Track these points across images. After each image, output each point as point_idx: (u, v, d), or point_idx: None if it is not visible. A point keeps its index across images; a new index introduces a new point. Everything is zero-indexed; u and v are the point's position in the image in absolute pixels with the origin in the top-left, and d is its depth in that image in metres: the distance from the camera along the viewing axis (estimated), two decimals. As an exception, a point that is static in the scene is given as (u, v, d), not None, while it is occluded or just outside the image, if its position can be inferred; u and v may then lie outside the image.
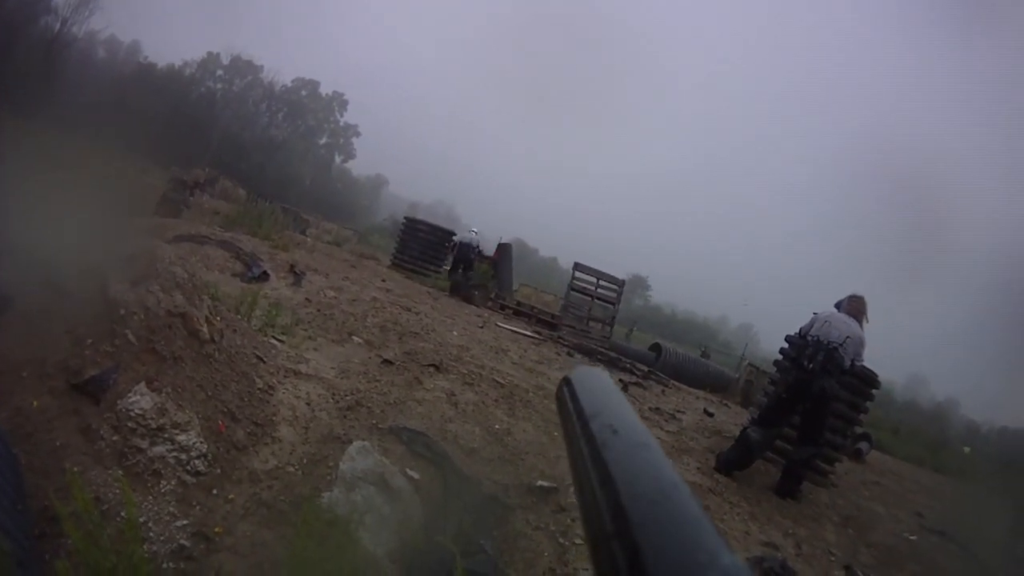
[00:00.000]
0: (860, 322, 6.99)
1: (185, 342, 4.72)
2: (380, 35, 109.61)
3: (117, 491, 3.62)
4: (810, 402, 6.84)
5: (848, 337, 6.75)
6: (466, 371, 7.23)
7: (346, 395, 5.81)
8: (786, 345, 7.63)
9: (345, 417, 5.45)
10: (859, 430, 10.68)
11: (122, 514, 3.46)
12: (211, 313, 5.22)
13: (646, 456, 0.61)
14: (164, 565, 3.62)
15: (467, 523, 4.68)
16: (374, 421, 5.48)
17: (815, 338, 6.86)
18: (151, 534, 3.69)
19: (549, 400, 7.13)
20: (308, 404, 5.47)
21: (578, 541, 4.88)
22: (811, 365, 6.77)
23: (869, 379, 7.87)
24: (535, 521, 5.02)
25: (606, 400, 0.74)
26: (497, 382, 7.19)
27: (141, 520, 3.63)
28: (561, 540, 4.89)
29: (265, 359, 5.75)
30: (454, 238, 19.71)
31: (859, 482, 9.27)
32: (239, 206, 17.56)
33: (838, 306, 7.14)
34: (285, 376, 5.75)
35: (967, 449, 22.73)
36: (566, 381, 0.81)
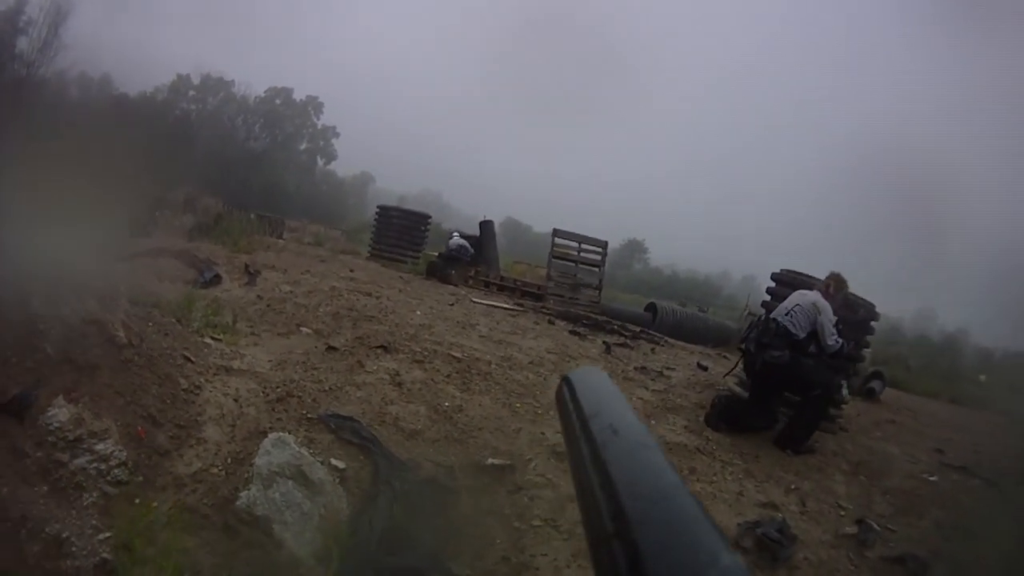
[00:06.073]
0: (832, 299, 6.65)
1: (102, 349, 4.69)
2: (347, 29, 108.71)
3: (43, 508, 3.68)
4: (762, 379, 6.64)
5: (798, 305, 6.50)
6: (419, 349, 6.89)
7: (277, 387, 5.51)
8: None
9: (273, 410, 5.18)
10: (870, 368, 10.20)
11: (46, 530, 3.59)
12: (127, 317, 5.12)
13: (646, 456, 0.61)
14: (87, 582, 3.72)
15: (399, 513, 4.29)
16: (304, 411, 5.19)
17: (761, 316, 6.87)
18: (74, 549, 3.70)
19: (515, 371, 6.95)
20: (236, 400, 5.21)
21: (536, 523, 4.60)
22: (747, 345, 6.67)
23: (866, 316, 7.43)
24: (487, 504, 4.72)
25: (606, 400, 0.73)
26: (453, 357, 6.84)
27: (64, 535, 3.67)
28: (517, 524, 4.60)
29: (194, 359, 5.55)
30: (429, 221, 19.53)
31: (872, 423, 8.63)
32: (208, 219, 17.33)
33: None
34: (215, 374, 5.51)
35: (983, 377, 22.15)
36: (566, 381, 0.80)
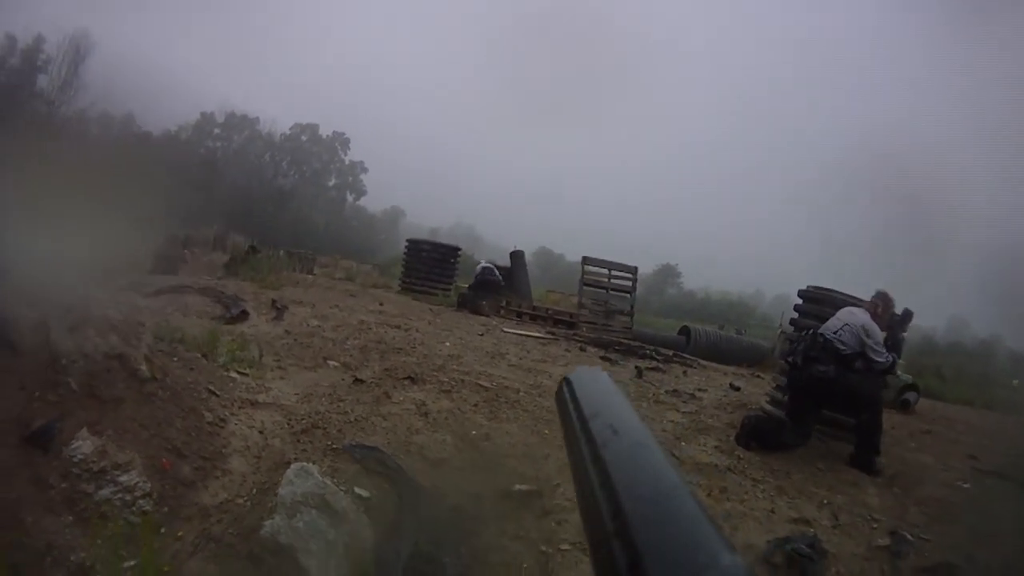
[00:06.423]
0: (880, 319, 6.71)
1: (125, 383, 4.72)
2: (374, 67, 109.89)
3: (68, 537, 3.71)
4: (805, 394, 6.64)
5: (847, 325, 6.54)
6: (446, 379, 6.87)
7: (302, 419, 5.49)
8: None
9: (298, 441, 5.16)
10: (905, 380, 10.05)
11: (71, 558, 3.62)
12: (150, 352, 5.12)
13: (646, 456, 0.62)
14: (114, 608, 3.79)
15: (423, 540, 4.26)
16: (329, 442, 5.16)
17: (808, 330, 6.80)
18: (98, 577, 3.83)
19: (544, 398, 6.87)
20: (261, 432, 5.20)
21: (564, 547, 4.53)
22: (794, 359, 6.64)
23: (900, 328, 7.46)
24: (513, 530, 4.65)
25: (606, 400, 0.74)
26: (481, 386, 6.82)
27: (89, 564, 3.66)
28: (544, 548, 4.53)
29: (219, 393, 5.56)
30: (458, 255, 19.62)
31: (907, 434, 8.48)
32: (237, 255, 17.58)
33: None
34: (240, 407, 5.51)
35: (1016, 381, 21.71)
36: (566, 381, 0.81)
